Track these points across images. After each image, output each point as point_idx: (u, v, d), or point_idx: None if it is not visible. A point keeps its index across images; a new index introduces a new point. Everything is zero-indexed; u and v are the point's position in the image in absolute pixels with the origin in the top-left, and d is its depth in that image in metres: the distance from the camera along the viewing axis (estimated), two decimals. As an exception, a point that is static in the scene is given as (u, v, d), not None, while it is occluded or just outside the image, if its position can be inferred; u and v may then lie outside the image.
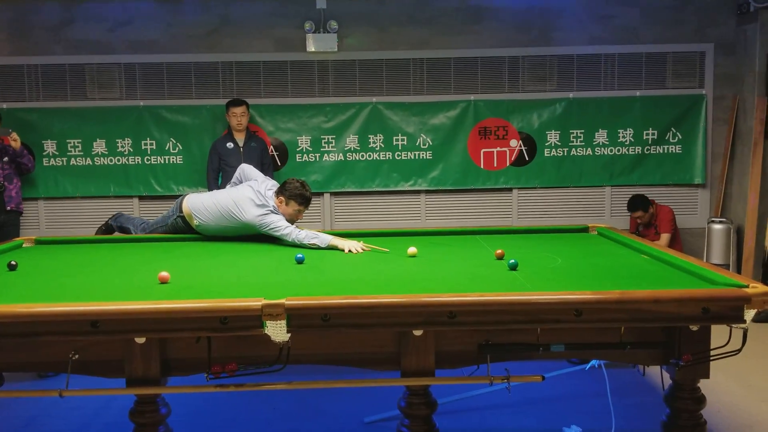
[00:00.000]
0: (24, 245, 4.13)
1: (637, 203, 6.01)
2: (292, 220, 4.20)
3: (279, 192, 4.22)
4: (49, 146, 6.26)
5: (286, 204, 4.18)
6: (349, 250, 3.80)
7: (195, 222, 4.30)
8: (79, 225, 6.29)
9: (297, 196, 4.18)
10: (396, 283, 3.03)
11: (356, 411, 3.72)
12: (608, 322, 2.59)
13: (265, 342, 2.53)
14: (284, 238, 4.03)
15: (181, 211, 4.38)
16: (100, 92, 6.27)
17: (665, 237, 5.96)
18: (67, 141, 6.25)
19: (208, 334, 2.55)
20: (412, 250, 3.64)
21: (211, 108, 6.28)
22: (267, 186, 4.28)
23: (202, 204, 4.29)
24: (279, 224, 4.06)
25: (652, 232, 6.05)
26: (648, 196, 6.11)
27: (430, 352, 2.66)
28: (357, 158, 6.41)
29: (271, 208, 4.13)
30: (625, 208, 6.37)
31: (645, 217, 6.02)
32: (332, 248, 3.89)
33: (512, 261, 3.20)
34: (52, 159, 6.27)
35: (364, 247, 3.83)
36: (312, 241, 3.95)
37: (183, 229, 4.41)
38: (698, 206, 6.56)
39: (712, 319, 2.56)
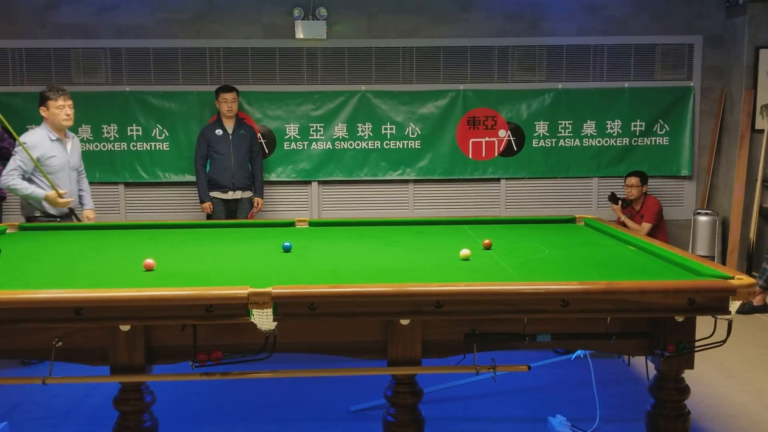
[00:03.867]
0: (7, 231, 4.08)
1: (638, 171, 6.10)
2: (66, 122, 4.50)
3: (39, 105, 4.49)
4: (34, 131, 6.17)
5: (47, 108, 4.48)
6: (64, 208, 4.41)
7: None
8: (64, 211, 6.22)
9: (46, 93, 4.45)
10: (383, 272, 3.02)
11: (342, 400, 3.72)
12: (594, 313, 2.59)
13: (251, 330, 2.51)
14: (5, 181, 4.39)
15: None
16: (85, 77, 6.19)
17: (646, 226, 5.99)
18: (52, 126, 6.17)
19: (193, 322, 2.53)
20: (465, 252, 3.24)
21: (198, 94, 6.23)
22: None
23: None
24: (9, 167, 4.40)
25: (638, 220, 6.07)
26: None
27: (416, 342, 2.66)
28: (345, 147, 6.38)
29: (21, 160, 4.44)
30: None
31: (636, 191, 6.02)
32: (45, 200, 4.40)
33: None
34: (36, 144, 6.18)
35: (65, 202, 4.37)
36: (27, 192, 4.37)
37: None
38: (684, 198, 6.60)
39: (698, 310, 2.57)
